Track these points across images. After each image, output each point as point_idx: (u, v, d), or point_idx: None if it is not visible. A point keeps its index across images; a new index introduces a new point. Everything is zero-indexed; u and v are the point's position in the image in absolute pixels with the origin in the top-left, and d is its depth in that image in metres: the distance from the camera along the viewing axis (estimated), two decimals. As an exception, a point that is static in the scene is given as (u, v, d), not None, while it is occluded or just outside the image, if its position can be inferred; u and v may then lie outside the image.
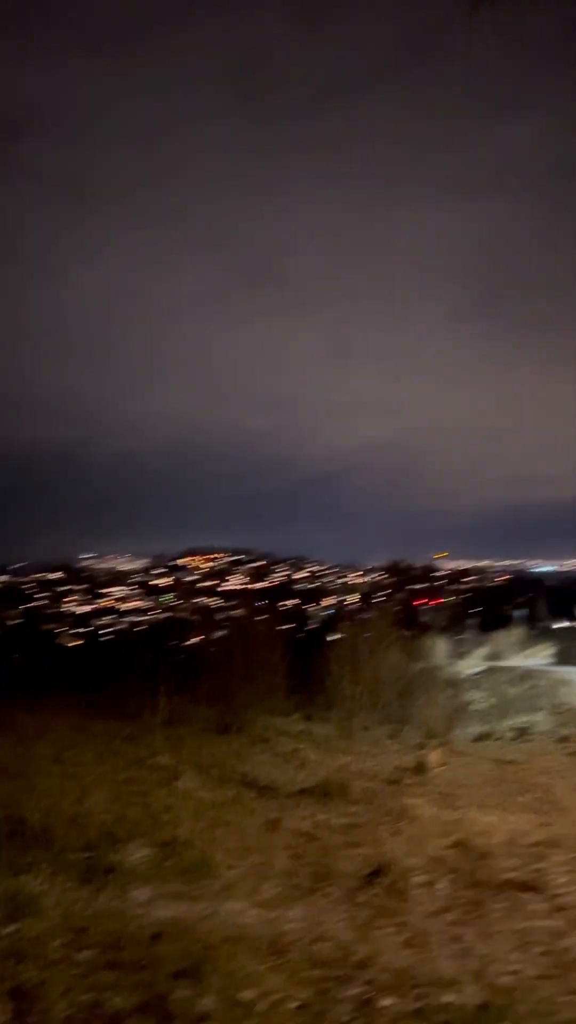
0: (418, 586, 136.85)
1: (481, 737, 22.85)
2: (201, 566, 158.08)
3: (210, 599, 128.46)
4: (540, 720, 24.80)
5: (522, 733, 21.34)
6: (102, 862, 5.96)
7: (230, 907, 5.49)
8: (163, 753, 12.21)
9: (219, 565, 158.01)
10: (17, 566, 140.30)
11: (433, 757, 13.74)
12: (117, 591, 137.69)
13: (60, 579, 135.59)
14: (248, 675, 23.36)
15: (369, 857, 6.92)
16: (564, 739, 18.01)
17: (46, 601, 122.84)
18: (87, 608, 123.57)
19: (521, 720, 25.83)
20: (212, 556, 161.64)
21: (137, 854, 6.35)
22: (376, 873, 6.27)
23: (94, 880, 5.74)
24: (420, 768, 13.23)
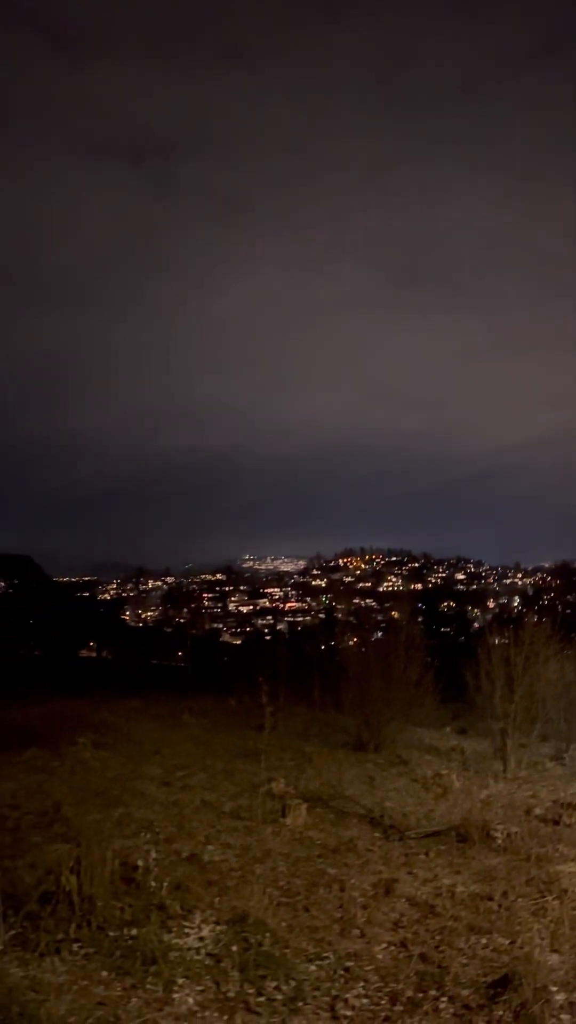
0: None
1: None
2: (358, 567, 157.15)
3: (366, 600, 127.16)
4: None
5: None
6: (147, 946, 4.74)
7: (295, 1029, 4.13)
8: (281, 778, 10.99)
9: (376, 566, 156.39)
10: (184, 568, 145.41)
11: (598, 793, 11.68)
12: (276, 591, 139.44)
13: (222, 580, 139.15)
14: (395, 682, 21.79)
15: (498, 952, 5.32)
16: None
17: (210, 601, 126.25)
18: (248, 608, 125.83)
19: None
20: (369, 557, 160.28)
21: (196, 934, 5.11)
22: (504, 982, 4.69)
23: (132, 972, 4.55)
24: (582, 805, 11.25)
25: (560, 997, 4.59)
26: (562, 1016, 4.41)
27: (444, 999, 4.62)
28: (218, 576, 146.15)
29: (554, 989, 4.67)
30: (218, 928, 5.21)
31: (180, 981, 4.54)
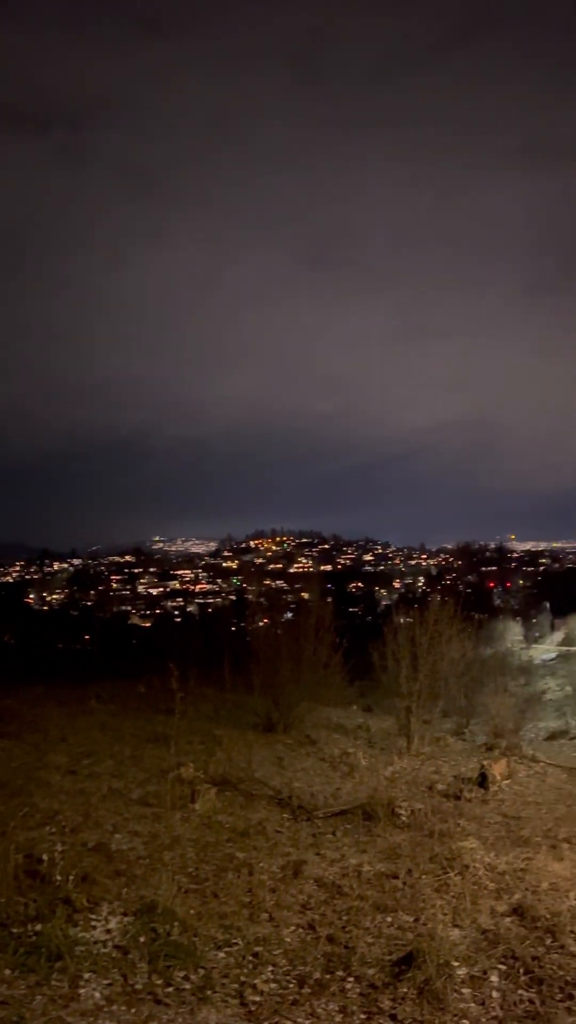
0: (489, 568, 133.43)
1: (554, 735, 21.01)
2: (270, 549, 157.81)
3: (277, 582, 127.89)
4: (619, 715, 22.80)
5: (600, 732, 19.44)
6: (52, 941, 4.64)
7: (203, 1019, 4.12)
8: (191, 763, 10.94)
9: (287, 548, 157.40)
10: (91, 549, 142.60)
11: (497, 768, 12.12)
12: (187, 573, 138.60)
13: (132, 562, 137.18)
14: (304, 663, 22.00)
15: (403, 929, 5.45)
16: None
17: (119, 584, 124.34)
18: (158, 590, 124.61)
19: (599, 715, 23.85)
20: (280, 539, 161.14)
21: (102, 927, 5.03)
22: (408, 960, 4.81)
23: (36, 969, 4.44)
24: (483, 780, 11.67)
25: (462, 971, 4.74)
26: (463, 990, 4.56)
27: (351, 979, 4.71)
28: (127, 558, 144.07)
29: (456, 964, 4.82)
30: (125, 919, 5.15)
31: (87, 976, 4.46)
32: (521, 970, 4.79)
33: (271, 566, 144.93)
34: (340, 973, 4.78)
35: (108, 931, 4.99)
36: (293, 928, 5.48)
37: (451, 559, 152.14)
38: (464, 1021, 4.25)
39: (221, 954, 4.96)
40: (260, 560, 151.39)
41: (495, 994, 4.52)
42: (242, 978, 4.67)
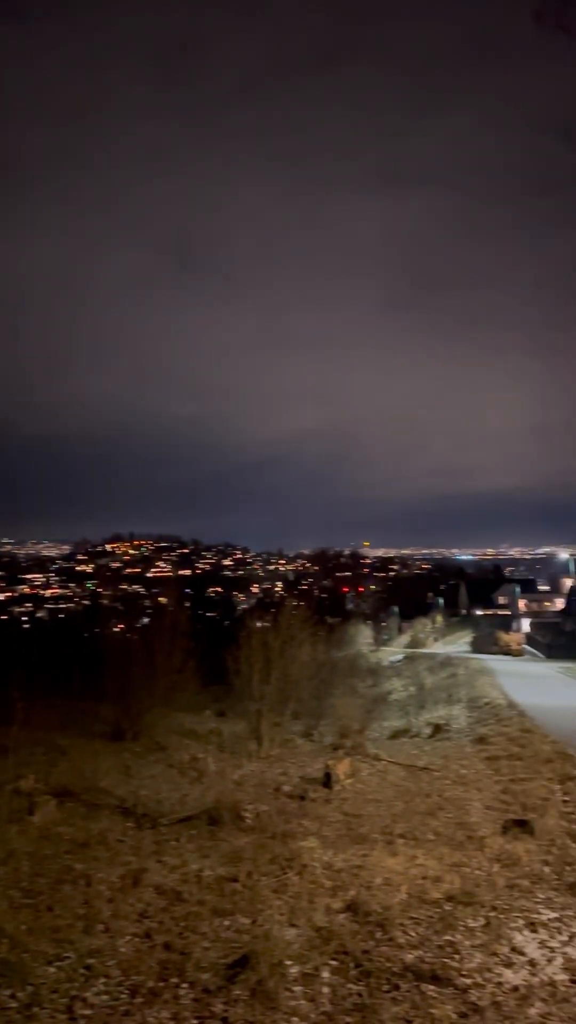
0: (344, 573, 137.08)
1: (397, 734, 21.80)
2: (127, 552, 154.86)
3: (134, 586, 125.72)
4: (457, 714, 23.97)
5: (438, 730, 20.38)
6: None
7: (28, 1038, 3.99)
8: (31, 774, 10.55)
9: (145, 551, 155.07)
10: None
11: (341, 768, 12.45)
12: (38, 577, 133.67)
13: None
14: (158, 669, 21.73)
15: (240, 932, 5.50)
16: (480, 740, 17.01)
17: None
18: (6, 595, 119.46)
19: (439, 714, 25.00)
20: (138, 542, 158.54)
21: None
22: (243, 962, 4.85)
23: None
24: (327, 780, 11.95)
25: (295, 970, 4.84)
26: (295, 988, 4.65)
27: (184, 985, 4.69)
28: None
29: (289, 963, 4.91)
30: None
31: None
32: (351, 964, 4.94)
33: (128, 570, 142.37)
34: (174, 980, 4.75)
35: None
36: (129, 938, 5.40)
37: (308, 564, 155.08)
38: (295, 1019, 4.33)
39: (52, 969, 4.81)
40: (117, 564, 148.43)
41: (325, 990, 4.63)
42: (72, 992, 4.55)
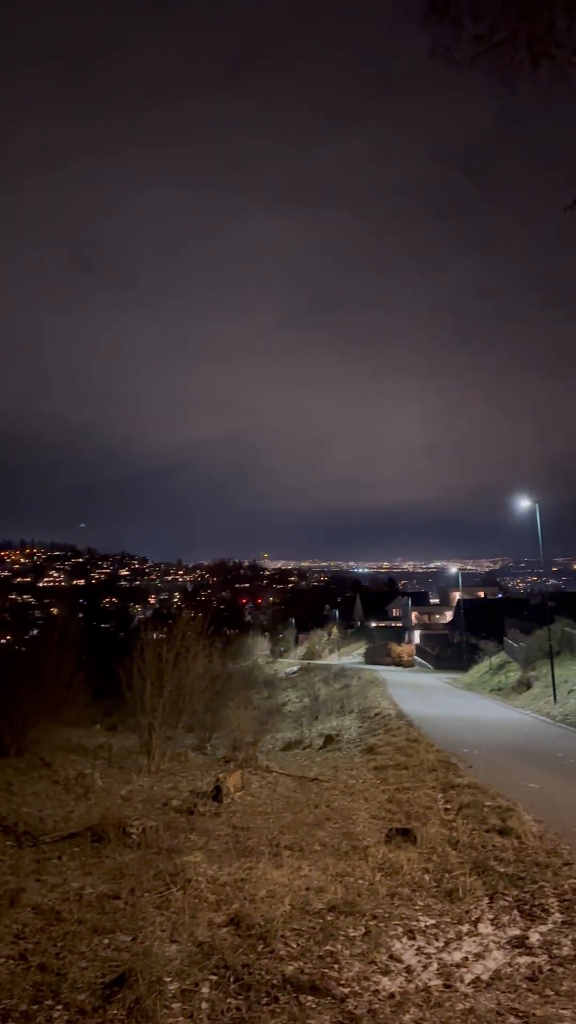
0: (243, 585, 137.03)
1: (290, 745, 21.97)
2: (17, 561, 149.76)
3: (24, 596, 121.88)
4: (349, 724, 24.37)
5: (330, 740, 20.66)
6: None
7: None
8: None
9: (37, 560, 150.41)
10: None
11: (231, 781, 12.42)
12: None
13: None
14: (46, 683, 21.09)
15: (119, 950, 5.39)
16: (369, 750, 17.35)
17: None
18: None
19: (331, 724, 25.33)
20: (30, 550, 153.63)
21: None
22: (121, 981, 4.76)
23: None
24: (217, 793, 11.89)
25: (174, 987, 4.78)
26: (174, 1005, 4.59)
27: (59, 1007, 4.56)
28: None
29: (168, 980, 4.84)
30: None
31: None
32: (231, 979, 4.93)
33: (18, 579, 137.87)
34: (49, 1002, 4.61)
35: None
36: (3, 960, 5.21)
37: (207, 575, 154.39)
38: (171, 1036, 4.28)
39: None
40: (6, 573, 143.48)
41: (204, 1005, 4.60)
42: None
